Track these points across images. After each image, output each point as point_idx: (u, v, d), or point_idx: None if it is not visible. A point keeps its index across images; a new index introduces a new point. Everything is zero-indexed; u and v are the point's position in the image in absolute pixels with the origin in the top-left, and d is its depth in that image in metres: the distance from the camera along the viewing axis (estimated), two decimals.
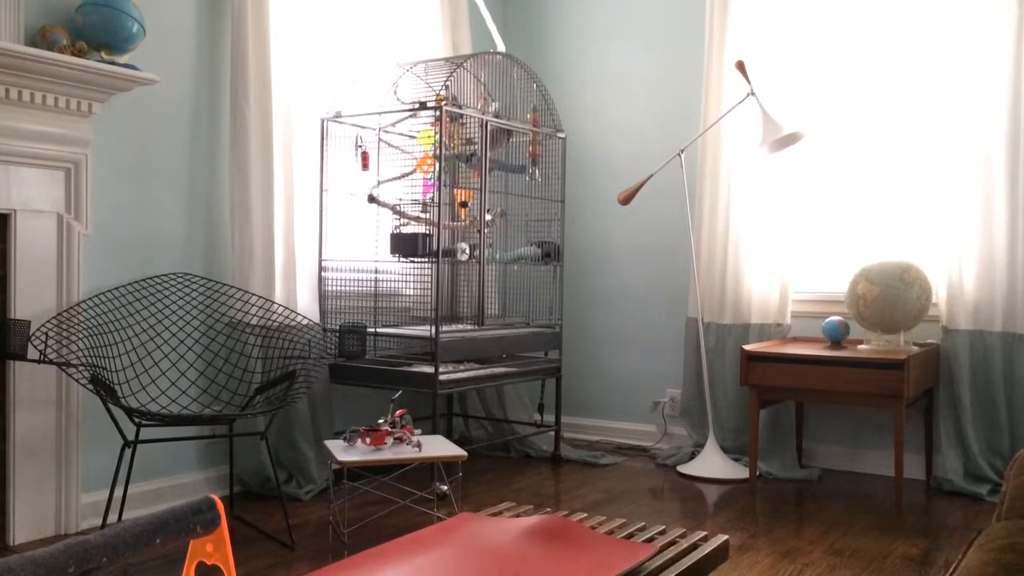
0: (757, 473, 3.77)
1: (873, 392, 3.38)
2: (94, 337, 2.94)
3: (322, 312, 3.76)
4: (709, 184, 4.23)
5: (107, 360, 2.97)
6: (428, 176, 3.73)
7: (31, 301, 2.85)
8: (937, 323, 3.83)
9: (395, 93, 3.80)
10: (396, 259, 3.73)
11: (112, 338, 3.02)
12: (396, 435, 2.92)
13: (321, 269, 3.79)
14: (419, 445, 2.90)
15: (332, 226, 3.85)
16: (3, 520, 2.83)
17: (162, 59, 3.22)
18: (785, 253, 4.10)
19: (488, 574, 1.69)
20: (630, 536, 2.05)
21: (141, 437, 2.76)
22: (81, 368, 2.74)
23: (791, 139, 3.83)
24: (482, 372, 3.82)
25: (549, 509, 2.27)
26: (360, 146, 3.79)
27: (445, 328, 3.70)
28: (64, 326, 2.87)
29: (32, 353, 2.76)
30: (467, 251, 3.82)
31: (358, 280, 3.88)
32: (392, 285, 3.95)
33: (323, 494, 3.48)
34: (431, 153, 3.66)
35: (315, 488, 3.48)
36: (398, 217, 3.77)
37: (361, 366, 3.72)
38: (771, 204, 4.10)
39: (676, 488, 3.73)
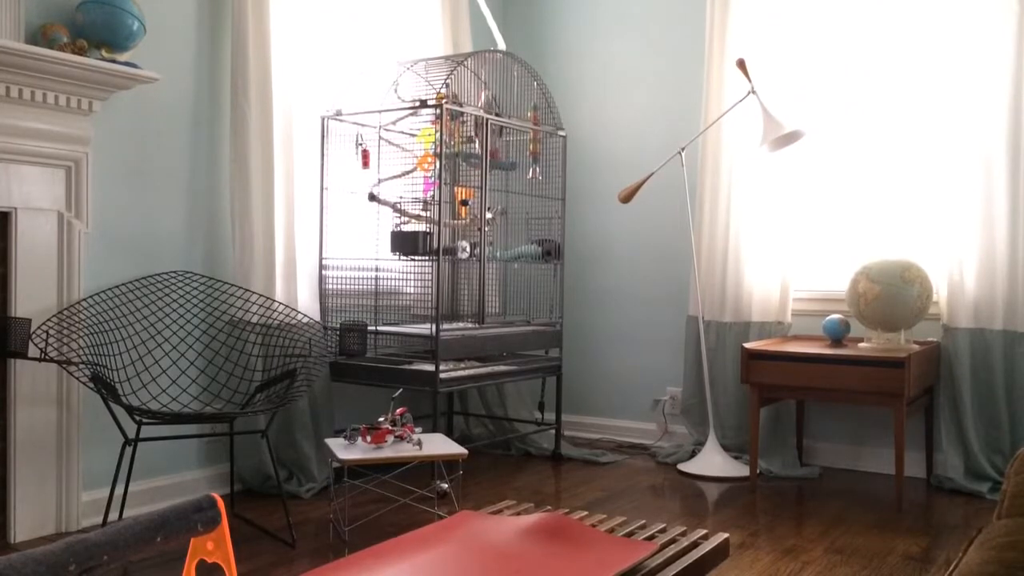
0: (758, 471, 3.77)
1: (874, 390, 3.38)
2: (95, 335, 2.94)
3: (323, 310, 3.76)
4: (710, 182, 4.23)
5: (108, 358, 2.97)
6: (428, 174, 3.73)
7: (32, 299, 2.85)
8: (938, 321, 3.83)
9: (396, 91, 3.80)
10: (397, 257, 3.73)
11: (113, 336, 3.02)
12: (397, 433, 2.92)
13: (322, 267, 3.79)
14: (420, 443, 2.90)
15: (333, 224, 3.85)
16: (4, 518, 2.84)
17: (162, 57, 3.22)
18: (786, 251, 4.10)
19: (489, 572, 1.69)
20: (630, 534, 2.05)
21: (142, 435, 2.76)
22: (82, 366, 2.74)
23: (792, 137, 3.83)
24: (483, 370, 3.82)
25: (550, 507, 2.27)
26: (361, 144, 3.78)
27: (446, 326, 3.70)
28: (65, 324, 2.87)
29: (33, 351, 2.76)
30: (467, 249, 3.81)
31: (359, 278, 3.88)
32: (393, 283, 3.95)
33: (324, 492, 3.48)
34: (431, 151, 3.66)
35: (316, 486, 3.48)
36: (399, 215, 3.77)
37: (362, 364, 3.72)
38: (772, 202, 4.10)
39: (676, 486, 3.73)
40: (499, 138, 4.04)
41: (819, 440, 4.12)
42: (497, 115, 3.94)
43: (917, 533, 3.08)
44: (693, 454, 4.12)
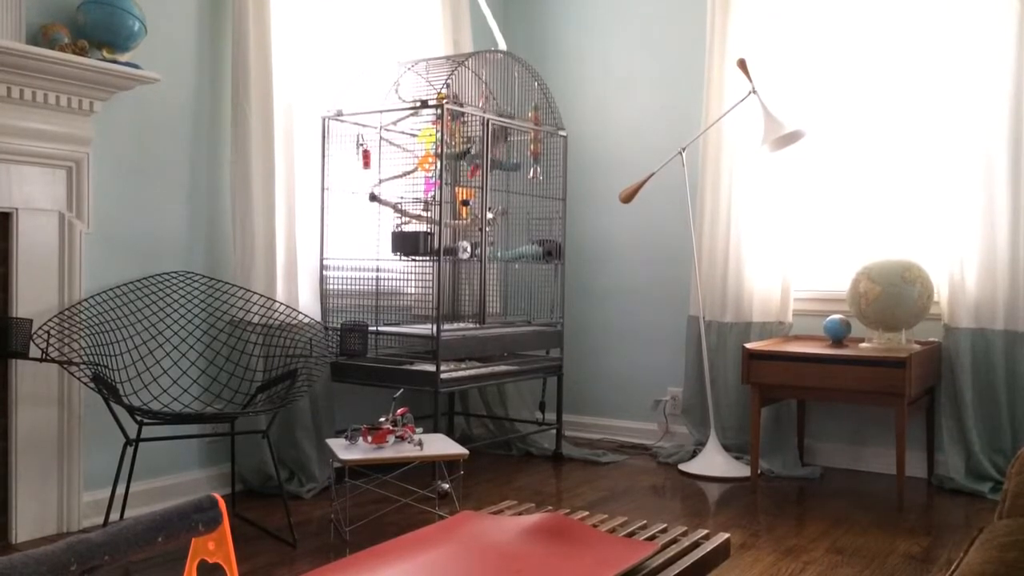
0: (759, 471, 3.77)
1: (875, 390, 3.38)
2: (96, 335, 2.94)
3: (323, 310, 3.76)
4: (710, 182, 4.23)
5: (109, 358, 2.97)
6: (429, 174, 3.73)
7: (33, 299, 2.85)
8: (939, 321, 3.82)
9: (396, 91, 3.80)
10: (397, 257, 3.73)
11: (114, 336, 3.02)
12: (398, 433, 2.92)
13: (323, 267, 3.79)
14: (420, 443, 2.90)
15: (333, 225, 3.85)
16: (5, 518, 2.84)
17: (163, 57, 3.22)
18: (787, 251, 4.10)
19: (489, 572, 1.69)
20: (631, 534, 2.05)
21: (143, 435, 2.76)
22: (83, 366, 2.75)
23: (792, 137, 3.83)
24: (483, 370, 3.82)
25: (550, 507, 2.27)
26: (361, 144, 3.79)
27: (446, 326, 3.70)
28: (66, 324, 2.87)
29: (34, 352, 2.76)
30: (468, 249, 3.81)
31: (360, 278, 3.88)
32: (394, 283, 3.95)
33: (325, 492, 3.48)
34: (432, 151, 3.66)
35: (317, 486, 3.48)
36: (399, 215, 3.77)
37: (362, 364, 3.72)
38: (772, 202, 4.10)
39: (677, 486, 3.73)
40: (503, 143, 4.03)
41: (820, 440, 4.12)
42: (499, 116, 3.94)
43: (918, 533, 3.08)
44: (694, 454, 4.12)
